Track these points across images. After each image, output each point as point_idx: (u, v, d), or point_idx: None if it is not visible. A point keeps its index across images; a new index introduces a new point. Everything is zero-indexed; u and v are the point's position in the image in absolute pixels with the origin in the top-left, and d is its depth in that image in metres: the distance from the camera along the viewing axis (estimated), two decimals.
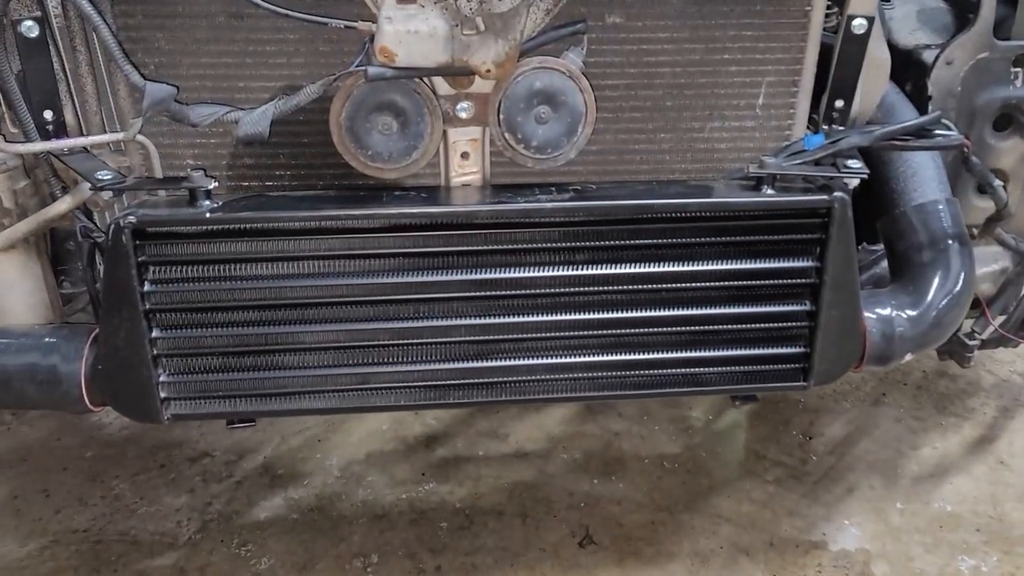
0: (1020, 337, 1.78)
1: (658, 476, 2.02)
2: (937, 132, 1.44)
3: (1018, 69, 1.60)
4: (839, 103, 1.52)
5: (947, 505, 1.93)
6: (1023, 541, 1.83)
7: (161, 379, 1.38)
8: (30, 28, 1.31)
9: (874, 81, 1.53)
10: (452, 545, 1.82)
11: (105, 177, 1.33)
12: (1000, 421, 2.19)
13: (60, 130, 1.39)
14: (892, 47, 1.81)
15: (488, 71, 1.31)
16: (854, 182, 1.41)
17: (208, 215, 1.30)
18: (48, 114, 1.37)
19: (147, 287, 1.32)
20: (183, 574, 1.75)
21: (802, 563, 1.78)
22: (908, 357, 1.52)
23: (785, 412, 2.23)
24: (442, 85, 1.37)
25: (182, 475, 2.02)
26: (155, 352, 1.36)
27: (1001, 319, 1.74)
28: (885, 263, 1.68)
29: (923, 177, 1.57)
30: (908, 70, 1.69)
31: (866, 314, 1.48)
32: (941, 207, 1.55)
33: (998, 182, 1.51)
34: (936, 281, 1.52)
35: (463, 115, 1.40)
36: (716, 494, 1.96)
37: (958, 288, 1.52)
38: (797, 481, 2.00)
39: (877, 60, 1.52)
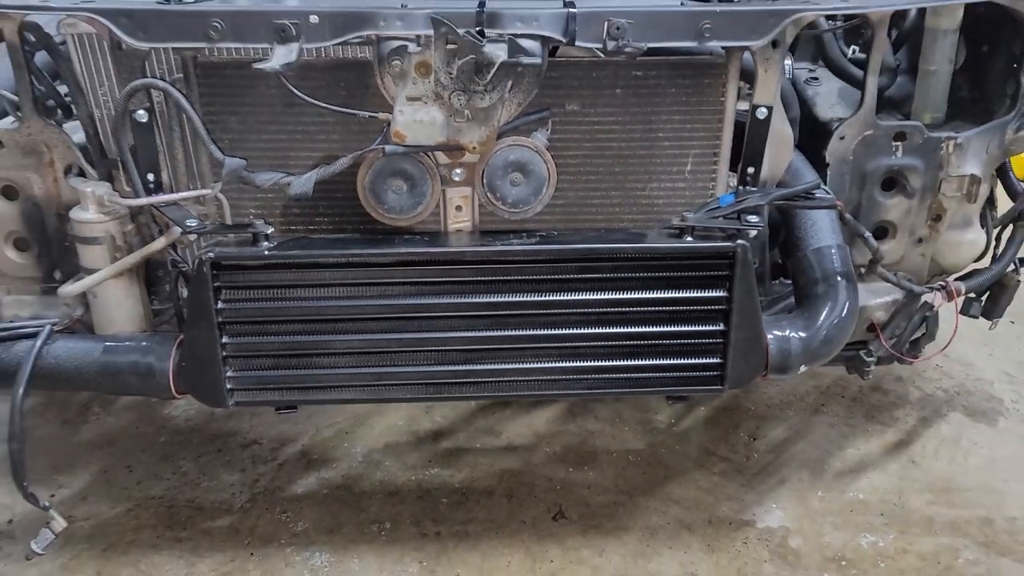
0: (908, 356, 2.18)
1: (623, 467, 2.43)
2: (817, 195, 1.86)
3: (898, 143, 2.01)
4: (751, 169, 1.93)
5: (860, 494, 2.33)
6: (918, 524, 2.22)
7: (228, 374, 1.83)
8: (141, 116, 1.78)
9: (779, 152, 1.94)
10: (450, 516, 2.25)
11: (192, 223, 1.80)
12: (918, 428, 2.58)
13: (158, 188, 1.86)
14: (814, 119, 2.25)
15: (474, 148, 1.77)
16: (752, 232, 1.83)
17: (266, 252, 1.75)
18: (151, 176, 1.84)
19: (220, 305, 1.77)
20: (237, 533, 2.20)
21: (733, 536, 2.19)
22: (803, 368, 1.92)
23: (736, 417, 2.64)
24: (441, 157, 1.82)
25: (235, 457, 2.47)
26: (224, 354, 1.81)
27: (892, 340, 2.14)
28: None
29: (819, 227, 1.99)
30: (824, 138, 2.10)
31: (768, 333, 1.90)
32: (833, 251, 1.97)
33: (868, 233, 1.92)
34: (826, 309, 1.93)
35: (457, 179, 1.85)
36: (670, 482, 2.37)
37: (844, 315, 1.93)
38: (738, 473, 2.41)
39: (781, 136, 1.93)
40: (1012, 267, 2.29)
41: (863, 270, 2.05)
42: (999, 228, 2.27)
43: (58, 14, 1.82)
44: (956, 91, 2.21)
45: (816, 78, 2.41)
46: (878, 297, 2.12)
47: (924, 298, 2.08)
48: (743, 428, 2.59)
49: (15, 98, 1.99)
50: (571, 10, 1.69)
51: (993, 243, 2.29)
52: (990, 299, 2.34)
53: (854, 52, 2.42)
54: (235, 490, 2.35)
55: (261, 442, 2.53)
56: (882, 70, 2.24)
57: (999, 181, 2.26)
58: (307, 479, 2.39)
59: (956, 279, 2.17)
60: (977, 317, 2.36)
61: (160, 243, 1.86)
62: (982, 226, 2.22)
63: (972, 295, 2.34)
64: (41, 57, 1.95)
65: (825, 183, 2.00)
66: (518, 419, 2.63)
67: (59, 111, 2.06)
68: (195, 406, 2.67)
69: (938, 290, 2.10)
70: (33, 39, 1.84)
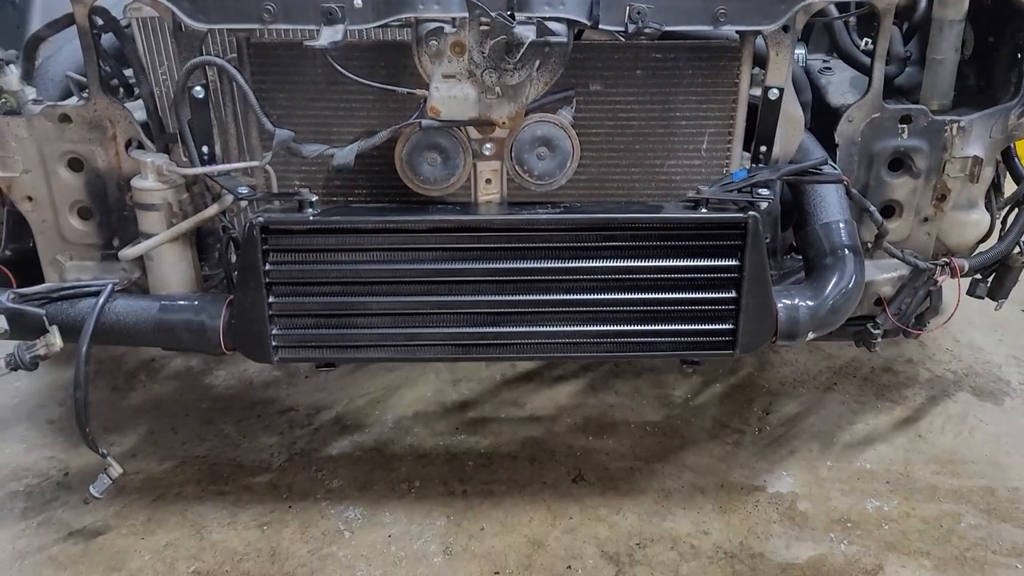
0: (913, 329, 2.29)
1: (640, 436, 2.55)
2: (824, 170, 1.98)
3: (904, 125, 2.13)
4: (763, 148, 2.06)
5: (867, 464, 2.43)
6: (921, 491, 2.32)
7: (274, 332, 1.97)
8: (199, 92, 1.94)
9: (791, 131, 2.06)
10: (476, 477, 2.38)
11: (243, 191, 1.95)
12: (926, 406, 2.68)
13: (212, 159, 2.02)
14: (827, 105, 2.37)
15: (504, 123, 1.90)
16: (763, 204, 1.95)
17: (311, 218, 1.90)
18: (205, 149, 2.00)
19: (268, 267, 1.92)
20: (275, 488, 2.35)
21: (744, 500, 2.30)
22: (811, 336, 2.04)
23: (750, 394, 2.75)
24: (473, 132, 1.96)
25: (274, 423, 2.62)
26: (271, 313, 1.95)
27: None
28: None
29: (828, 203, 2.10)
30: (836, 123, 2.21)
31: (778, 302, 2.02)
32: (841, 225, 2.08)
33: (872, 208, 2.04)
34: (833, 280, 2.04)
35: (487, 152, 1.99)
36: (684, 451, 2.49)
37: (850, 286, 2.04)
38: (751, 444, 2.52)
39: (792, 116, 2.05)
40: (1017, 249, 2.40)
41: (870, 245, 2.16)
42: (1004, 210, 2.36)
43: None
44: (964, 80, 2.33)
45: (829, 68, 2.53)
46: (885, 272, 2.23)
47: (928, 274, 2.19)
48: (757, 403, 2.70)
49: (82, 79, 2.16)
50: None
51: (998, 226, 2.39)
52: (996, 280, 2.44)
53: (866, 44, 2.53)
54: (273, 451, 2.49)
55: (298, 409, 2.68)
56: (892, 59, 2.38)
57: (1004, 165, 2.38)
58: (341, 442, 2.53)
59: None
60: (983, 297, 2.46)
61: (213, 209, 2.01)
62: (987, 208, 2.32)
63: (978, 276, 2.45)
64: (107, 40, 2.11)
65: (835, 163, 2.12)
66: (541, 392, 2.76)
67: (122, 90, 2.23)
68: (235, 376, 2.83)
69: (942, 266, 2.20)
70: (101, 22, 2.00)
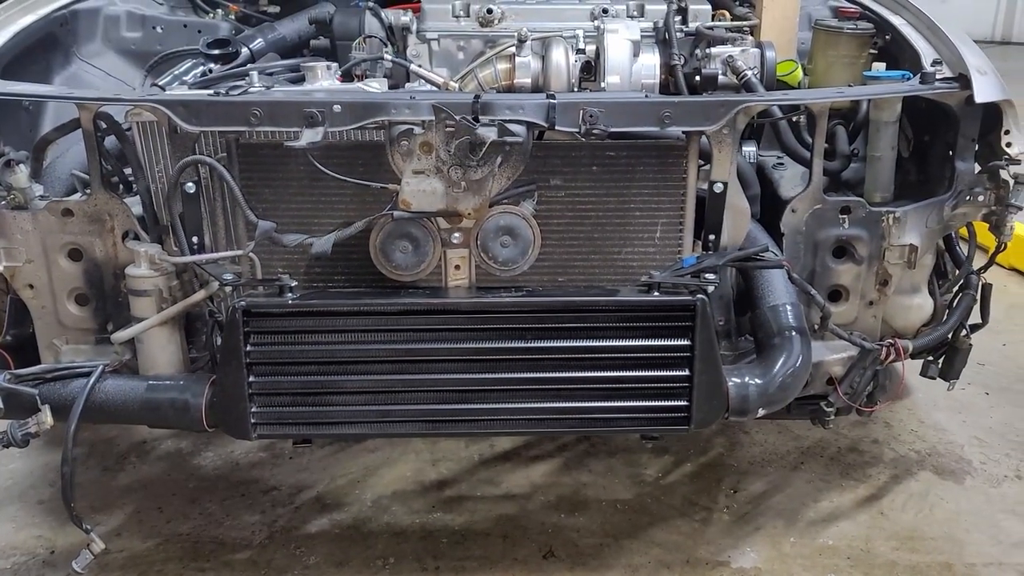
0: (864, 407, 2.40)
1: (611, 514, 2.63)
2: (765, 256, 2.14)
3: (844, 215, 2.29)
4: (712, 236, 2.22)
5: (829, 540, 2.50)
6: (880, 566, 2.39)
7: (253, 410, 2.08)
8: (190, 188, 2.11)
9: (737, 222, 2.21)
10: (449, 553, 2.46)
11: (228, 277, 2.11)
12: (889, 485, 2.76)
13: (201, 248, 2.18)
14: (779, 198, 2.54)
15: (469, 214, 2.06)
16: (711, 287, 2.09)
17: (290, 302, 2.05)
18: (195, 239, 2.16)
19: (249, 348, 2.05)
20: (255, 565, 2.42)
21: (708, 574, 2.37)
22: (761, 412, 2.15)
23: (719, 473, 2.84)
24: (442, 223, 2.12)
25: (257, 501, 2.71)
26: (250, 392, 2.07)
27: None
28: None
29: (775, 287, 2.24)
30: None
31: (728, 380, 2.14)
32: (788, 308, 2.22)
33: (813, 291, 2.18)
34: (781, 359, 2.16)
35: (455, 241, 2.14)
36: (653, 527, 2.57)
37: (797, 364, 2.16)
38: (718, 521, 2.60)
39: (738, 208, 2.21)
40: (964, 332, 2.53)
41: (816, 327, 2.29)
42: (946, 294, 2.51)
43: (126, 105, 2.19)
44: (907, 175, 2.51)
45: (783, 163, 2.71)
46: (835, 353, 2.35)
47: (873, 354, 2.31)
48: (726, 482, 2.79)
49: (85, 176, 2.35)
50: (552, 101, 2.03)
51: (947, 309, 2.53)
52: (946, 361, 2.56)
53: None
54: (255, 528, 2.58)
55: (281, 488, 2.77)
56: (838, 156, 2.57)
57: (947, 252, 2.54)
58: (320, 520, 2.61)
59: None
60: (935, 378, 2.58)
61: (200, 295, 2.16)
62: (930, 293, 2.47)
63: (930, 358, 2.58)
64: (109, 141, 2.30)
65: (782, 252, 2.28)
66: (517, 471, 2.85)
67: (121, 187, 2.41)
68: (222, 457, 2.93)
69: (887, 347, 2.33)
70: (104, 126, 2.19)
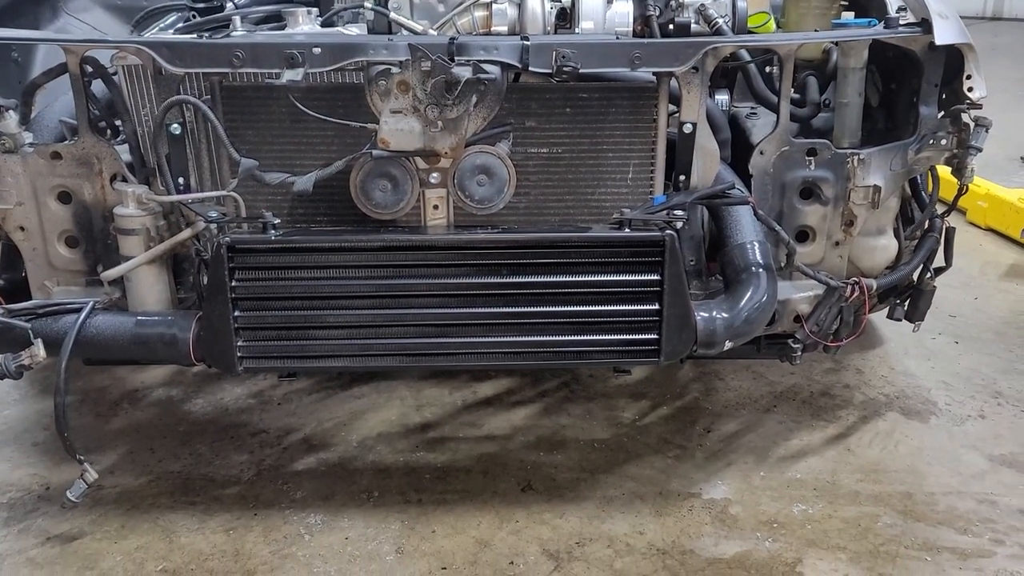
0: (829, 342, 2.49)
1: (588, 452, 2.72)
2: (731, 193, 2.22)
3: (810, 157, 2.36)
4: (682, 177, 2.30)
5: (797, 474, 2.59)
6: (845, 496, 2.48)
7: (239, 344, 2.17)
8: (175, 129, 2.19)
9: (707, 163, 2.29)
10: (431, 487, 2.55)
11: (213, 215, 2.18)
12: (857, 424, 2.84)
13: (187, 189, 2.25)
14: (749, 145, 2.62)
15: (446, 153, 2.14)
16: (679, 224, 2.17)
17: (273, 239, 2.12)
18: (180, 180, 2.23)
19: (234, 283, 2.12)
20: (243, 499, 2.51)
21: (679, 505, 2.46)
22: (728, 344, 2.24)
23: (694, 414, 2.92)
24: (420, 163, 2.20)
25: (245, 443, 2.79)
26: (236, 326, 2.15)
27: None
28: None
29: (742, 225, 2.32)
30: None
31: (697, 314, 2.22)
32: (755, 244, 2.30)
33: (778, 227, 2.26)
34: (747, 294, 2.25)
35: (433, 181, 2.22)
36: (628, 464, 2.65)
37: (763, 299, 2.24)
38: (691, 458, 2.69)
39: (707, 150, 2.29)
40: (928, 274, 2.62)
41: (783, 264, 2.37)
42: (911, 238, 2.59)
43: (111, 49, 2.25)
44: (875, 123, 2.59)
45: (756, 113, 2.79)
46: (802, 292, 2.44)
47: (838, 292, 2.39)
48: (700, 423, 2.88)
49: (74, 123, 2.41)
50: (525, 43, 2.10)
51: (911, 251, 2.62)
52: (911, 303, 2.65)
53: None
54: (243, 467, 2.66)
55: (269, 431, 2.85)
56: (807, 104, 2.65)
57: (911, 196, 2.62)
58: (307, 459, 2.70)
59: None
60: (900, 319, 2.67)
61: (187, 233, 2.24)
62: (895, 235, 2.55)
63: (897, 300, 2.67)
64: (96, 88, 2.36)
65: (750, 192, 2.35)
66: (499, 415, 2.93)
67: (108, 132, 2.47)
68: (212, 403, 3.01)
69: (851, 285, 2.41)
70: (90, 70, 2.25)
